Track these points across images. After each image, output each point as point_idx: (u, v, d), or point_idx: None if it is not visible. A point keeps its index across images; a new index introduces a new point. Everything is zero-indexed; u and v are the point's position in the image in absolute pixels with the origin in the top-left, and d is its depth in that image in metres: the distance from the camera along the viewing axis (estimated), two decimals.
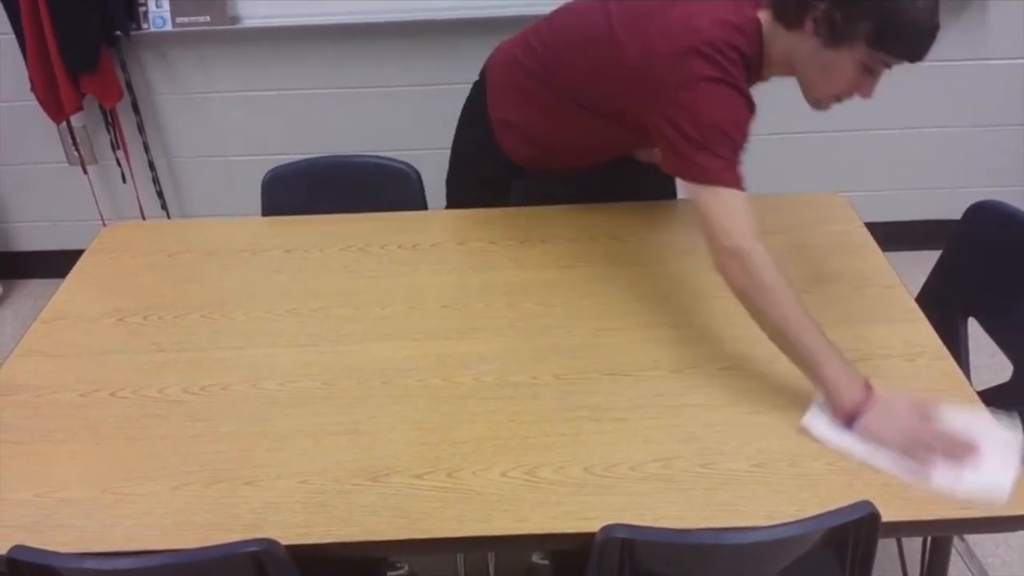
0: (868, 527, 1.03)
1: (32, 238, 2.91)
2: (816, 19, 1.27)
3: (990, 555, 1.87)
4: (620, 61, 1.40)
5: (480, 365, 1.37)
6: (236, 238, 1.73)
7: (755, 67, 1.37)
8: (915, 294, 1.55)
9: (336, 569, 1.28)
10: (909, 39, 1.23)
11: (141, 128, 2.65)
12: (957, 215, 1.60)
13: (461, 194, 1.83)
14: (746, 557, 1.04)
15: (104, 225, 1.85)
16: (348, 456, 1.21)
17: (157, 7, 2.41)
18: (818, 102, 1.37)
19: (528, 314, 1.48)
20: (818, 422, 1.22)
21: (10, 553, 0.99)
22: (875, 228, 1.68)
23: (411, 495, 1.14)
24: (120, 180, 2.75)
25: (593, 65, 1.46)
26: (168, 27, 2.43)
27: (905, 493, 1.12)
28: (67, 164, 2.73)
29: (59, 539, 1.09)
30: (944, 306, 1.53)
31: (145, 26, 2.42)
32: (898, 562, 1.72)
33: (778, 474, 1.16)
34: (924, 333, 1.41)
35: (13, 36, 2.40)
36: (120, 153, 2.69)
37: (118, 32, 2.43)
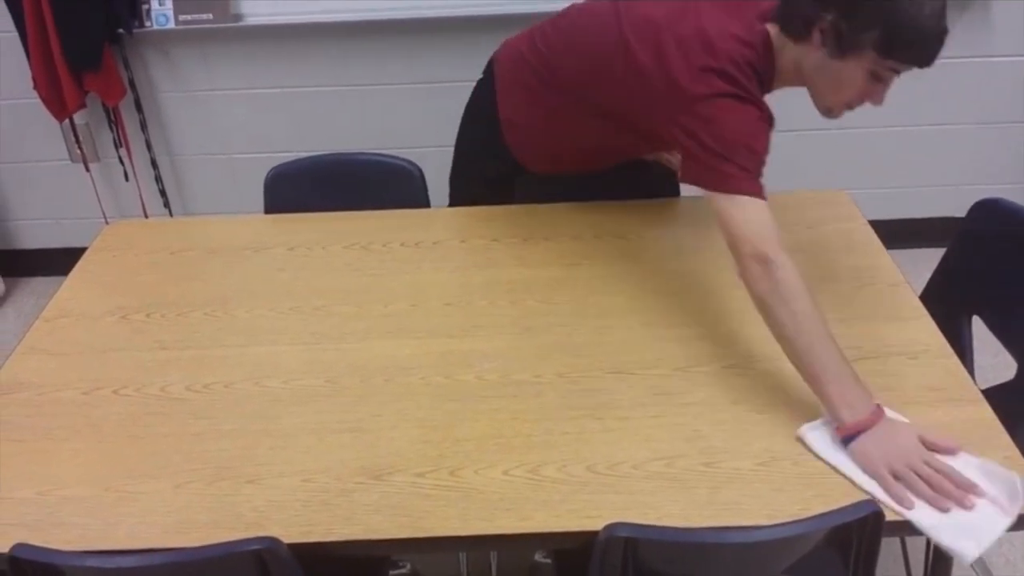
0: (872, 526, 1.03)
1: (35, 236, 2.91)
2: (823, 30, 1.27)
3: (994, 554, 1.87)
4: (632, 67, 1.39)
5: (483, 363, 1.37)
6: (239, 236, 1.73)
7: (766, 82, 1.37)
8: (919, 292, 1.54)
9: (339, 568, 1.28)
10: (917, 46, 1.22)
11: (144, 126, 2.65)
12: (961, 213, 1.60)
13: (465, 192, 1.82)
14: (749, 556, 1.04)
15: (107, 223, 1.85)
16: (351, 454, 1.21)
17: (160, 5, 2.41)
18: (829, 111, 1.37)
19: (531, 312, 1.48)
20: (815, 433, 1.20)
21: (12, 551, 0.99)
22: (879, 225, 1.68)
23: (414, 494, 1.14)
24: (123, 178, 2.75)
25: (603, 69, 1.45)
26: (171, 25, 2.43)
27: None
28: (70, 162, 2.73)
29: (61, 537, 1.09)
30: (948, 304, 1.53)
31: (148, 24, 2.42)
32: (902, 561, 1.72)
33: (782, 473, 1.16)
34: (928, 331, 1.41)
35: (16, 34, 2.41)
36: (123, 151, 2.69)
37: (121, 30, 2.43)
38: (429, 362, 1.37)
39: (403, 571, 1.72)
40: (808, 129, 2.64)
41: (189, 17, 2.42)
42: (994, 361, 1.53)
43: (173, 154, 2.74)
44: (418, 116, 2.64)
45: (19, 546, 1.00)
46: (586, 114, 1.53)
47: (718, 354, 1.37)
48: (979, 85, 2.63)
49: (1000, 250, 1.52)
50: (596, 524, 1.04)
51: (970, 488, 1.10)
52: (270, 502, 1.14)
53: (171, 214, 2.81)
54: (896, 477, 1.12)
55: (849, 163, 2.77)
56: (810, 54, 1.31)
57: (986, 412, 1.24)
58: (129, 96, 2.58)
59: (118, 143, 2.66)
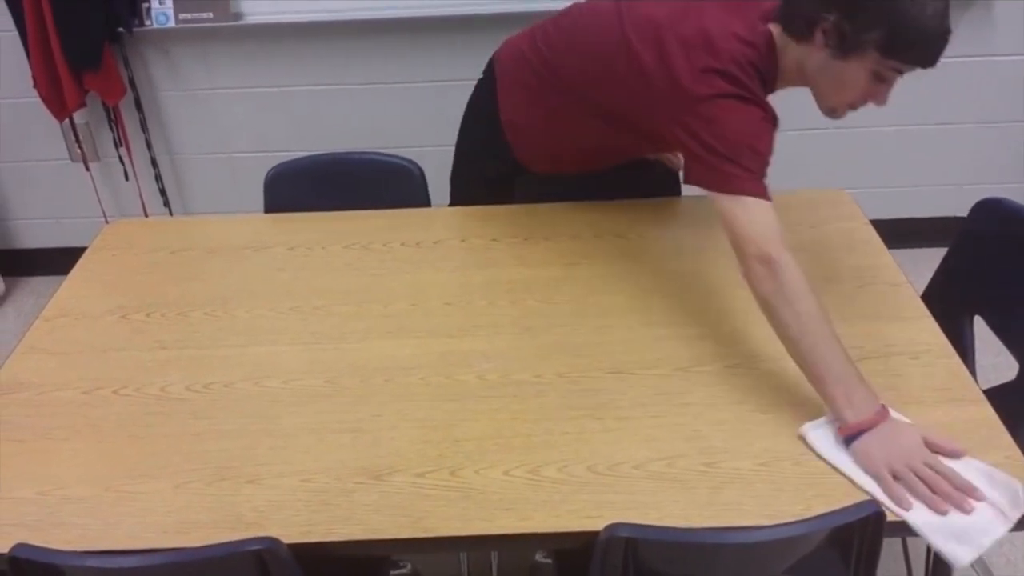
0: (873, 526, 1.03)
1: (34, 235, 2.91)
2: (826, 31, 1.26)
3: (995, 554, 1.87)
4: (634, 67, 1.39)
5: (483, 363, 1.36)
6: (239, 235, 1.73)
7: (769, 82, 1.36)
8: (921, 292, 1.54)
9: (339, 568, 1.28)
10: (920, 46, 1.22)
11: (144, 125, 2.65)
12: (963, 212, 1.59)
13: (465, 191, 1.82)
14: (750, 557, 1.04)
15: (107, 222, 1.85)
16: (351, 454, 1.21)
17: (160, 4, 2.41)
18: (832, 111, 1.36)
19: (531, 312, 1.48)
20: (816, 432, 1.20)
21: (12, 551, 0.99)
22: (881, 225, 1.68)
23: (414, 494, 1.14)
24: (123, 177, 2.75)
25: (605, 69, 1.45)
26: (171, 24, 2.42)
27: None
28: (70, 161, 2.73)
29: (61, 537, 1.09)
30: (950, 304, 1.53)
31: (148, 23, 2.42)
32: (903, 561, 1.71)
33: (783, 473, 1.15)
34: (930, 331, 1.40)
35: (16, 33, 2.40)
36: (123, 150, 2.69)
37: (121, 29, 2.43)
38: (429, 362, 1.37)
39: (403, 571, 1.72)
40: (809, 128, 2.64)
41: (189, 16, 2.42)
42: (996, 361, 1.53)
43: (173, 153, 2.74)
44: (418, 115, 2.64)
45: (19, 546, 1.00)
46: (587, 114, 1.53)
47: (719, 354, 1.37)
48: (981, 84, 2.63)
49: (1002, 250, 1.52)
50: (596, 524, 1.03)
51: (970, 491, 1.10)
52: (270, 502, 1.14)
53: (171, 213, 2.81)
54: (896, 477, 1.12)
55: (851, 162, 2.76)
56: (813, 54, 1.30)
57: (987, 412, 1.24)
58: (129, 95, 2.58)
59: (118, 142, 2.66)
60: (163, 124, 2.69)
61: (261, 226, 1.77)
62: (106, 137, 2.67)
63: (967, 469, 1.13)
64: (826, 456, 1.17)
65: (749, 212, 1.27)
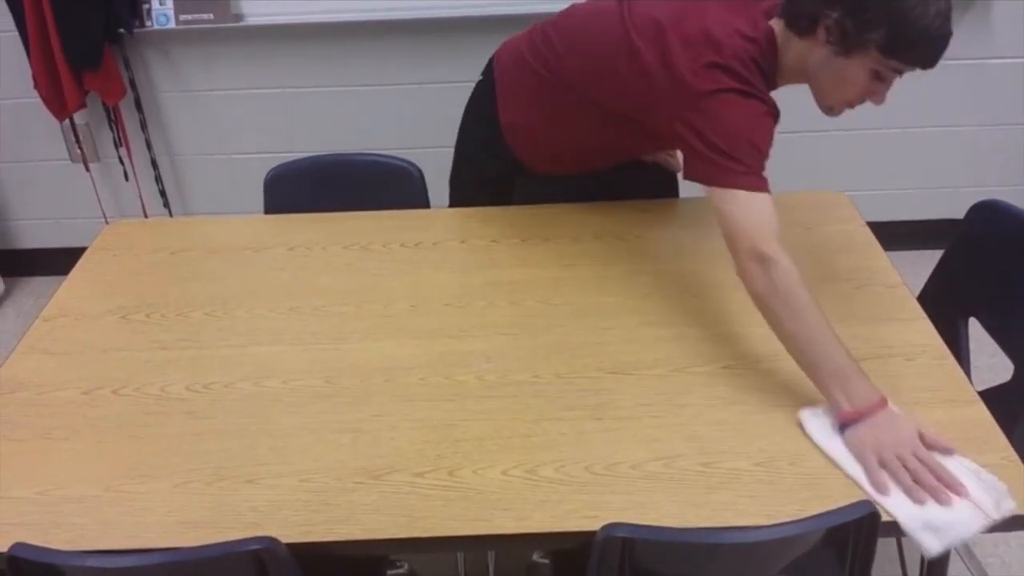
0: (868, 527, 1.03)
1: (34, 235, 2.91)
2: (828, 27, 1.27)
3: (989, 555, 1.87)
4: (636, 66, 1.39)
5: (482, 363, 1.37)
6: (238, 236, 1.74)
7: (770, 77, 1.37)
8: (917, 293, 1.55)
9: (337, 568, 1.29)
10: (921, 46, 1.23)
11: (144, 126, 2.65)
12: (960, 215, 1.60)
13: (465, 192, 1.82)
14: (747, 556, 1.04)
15: (107, 223, 1.85)
16: (349, 454, 1.21)
17: (160, 4, 2.41)
18: (831, 109, 1.37)
19: (530, 312, 1.48)
20: (814, 419, 1.22)
21: (11, 551, 0.99)
22: (877, 227, 1.68)
23: (412, 494, 1.15)
24: (123, 178, 2.75)
25: (606, 69, 1.45)
26: (171, 25, 2.43)
27: None
28: (70, 162, 2.73)
29: (61, 537, 1.10)
30: (946, 305, 1.53)
31: (148, 24, 2.42)
32: (898, 562, 1.72)
33: (779, 473, 1.16)
34: (926, 332, 1.41)
35: (16, 34, 2.41)
36: (123, 151, 2.69)
37: (121, 30, 2.43)
38: (428, 362, 1.38)
39: (401, 571, 1.72)
40: (807, 131, 2.65)
41: (190, 17, 2.42)
42: (991, 362, 1.54)
43: (173, 154, 2.74)
44: (418, 117, 2.65)
45: (18, 546, 1.00)
46: (587, 114, 1.54)
47: (716, 355, 1.37)
48: (979, 87, 2.64)
49: (998, 252, 1.52)
50: (594, 524, 1.04)
51: (954, 487, 1.11)
52: (269, 502, 1.14)
53: (171, 214, 2.82)
54: (882, 465, 1.14)
55: (848, 165, 2.77)
56: (814, 51, 1.31)
57: (983, 413, 1.24)
58: (129, 96, 2.59)
59: (118, 143, 2.67)
60: (163, 125, 2.69)
61: (261, 227, 1.78)
62: (106, 137, 2.68)
63: (956, 466, 1.14)
64: (819, 442, 1.19)
65: (744, 208, 1.28)
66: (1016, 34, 2.55)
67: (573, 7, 1.58)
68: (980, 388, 1.32)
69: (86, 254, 1.70)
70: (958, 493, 1.10)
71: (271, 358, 1.40)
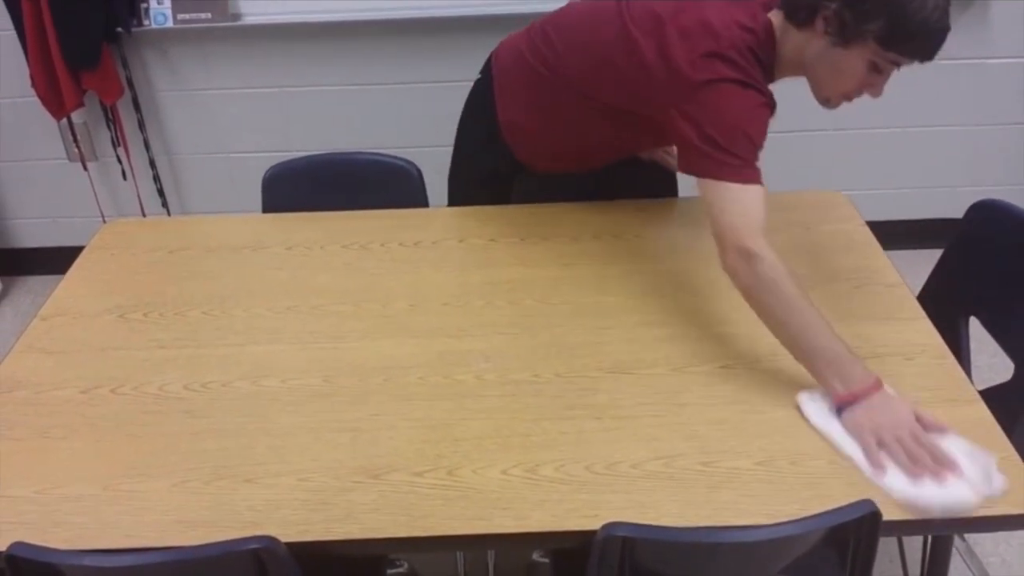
0: (869, 526, 1.03)
1: (32, 235, 2.91)
2: (827, 18, 1.28)
3: (990, 554, 1.87)
4: (634, 58, 1.40)
5: (481, 363, 1.37)
6: (237, 235, 1.73)
7: (768, 69, 1.37)
8: (917, 293, 1.55)
9: (337, 567, 1.28)
10: (919, 39, 1.24)
11: (142, 125, 2.65)
12: (959, 214, 1.60)
13: (463, 191, 1.82)
14: (747, 556, 1.04)
15: (104, 222, 1.85)
16: (348, 454, 1.21)
17: (158, 4, 2.40)
18: (827, 101, 1.37)
19: (529, 312, 1.48)
20: (812, 402, 1.24)
21: (10, 550, 0.99)
22: (877, 226, 1.68)
23: (411, 493, 1.14)
24: (120, 177, 2.75)
25: (605, 64, 1.45)
26: (169, 24, 2.42)
27: None
28: (67, 161, 2.73)
29: (59, 536, 1.09)
30: (946, 305, 1.53)
31: (146, 23, 2.42)
32: (899, 561, 1.72)
33: (780, 472, 1.16)
34: (926, 332, 1.41)
35: (14, 33, 2.40)
36: (121, 150, 2.68)
37: (119, 29, 2.43)
38: (427, 361, 1.37)
39: (400, 570, 1.72)
40: (806, 130, 2.65)
41: (187, 16, 2.42)
42: (991, 361, 1.54)
43: (171, 153, 2.74)
44: (417, 116, 2.64)
45: (17, 545, 0.99)
46: (586, 111, 1.53)
47: (716, 354, 1.37)
48: (978, 86, 2.64)
49: (997, 251, 1.52)
50: (594, 524, 1.04)
51: (949, 465, 1.13)
52: (268, 501, 1.14)
53: (169, 213, 2.81)
54: (880, 445, 1.16)
55: (847, 164, 2.77)
56: (812, 42, 1.32)
57: (983, 413, 1.24)
58: (127, 95, 2.58)
59: (116, 142, 2.66)
60: (161, 124, 2.68)
61: (259, 226, 1.77)
62: (104, 137, 2.67)
63: (950, 445, 1.16)
64: (817, 424, 1.22)
65: (733, 203, 1.29)
66: (1015, 34, 2.55)
67: (571, 4, 1.57)
68: (980, 387, 1.32)
69: (84, 253, 1.70)
70: (953, 471, 1.12)
71: (269, 357, 1.40)
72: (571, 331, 1.43)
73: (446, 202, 1.85)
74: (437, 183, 1.87)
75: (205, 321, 1.49)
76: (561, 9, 1.58)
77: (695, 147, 1.32)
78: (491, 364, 1.36)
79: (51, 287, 1.59)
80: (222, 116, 2.67)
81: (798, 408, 1.24)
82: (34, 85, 2.44)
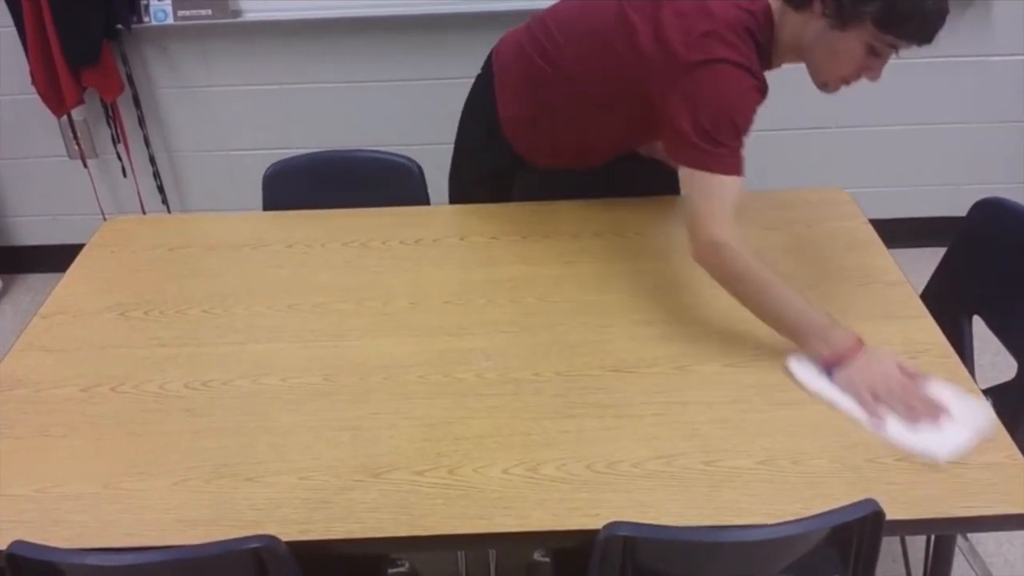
0: (872, 525, 1.03)
1: (32, 232, 2.90)
2: (824, 0, 1.27)
3: (993, 554, 1.87)
4: (632, 43, 1.40)
5: (482, 361, 1.36)
6: (237, 233, 1.73)
7: (765, 53, 1.37)
8: (920, 291, 1.54)
9: (337, 566, 1.28)
10: (917, 20, 1.24)
11: (142, 122, 2.64)
12: (963, 212, 1.59)
13: (464, 188, 1.82)
14: (749, 555, 1.04)
15: (104, 219, 1.85)
16: (349, 452, 1.20)
17: (159, 1, 2.40)
18: (825, 85, 1.38)
19: (530, 310, 1.48)
20: (801, 365, 1.30)
21: (10, 548, 0.99)
22: (880, 224, 1.68)
23: (412, 492, 1.14)
24: (121, 174, 2.74)
25: (604, 50, 1.45)
26: (169, 20, 2.42)
27: (909, 492, 1.12)
28: (68, 158, 2.72)
29: (59, 535, 1.09)
30: (949, 303, 1.53)
31: (147, 19, 2.42)
32: (901, 561, 1.72)
33: (782, 472, 1.15)
34: (929, 330, 1.40)
35: (14, 29, 2.40)
36: (121, 147, 2.68)
37: (119, 25, 2.42)
38: (428, 360, 1.37)
39: (401, 570, 1.72)
40: (809, 128, 2.64)
41: (188, 13, 2.41)
42: (994, 360, 1.53)
43: (171, 150, 2.74)
44: (418, 113, 2.64)
45: (17, 543, 0.99)
46: (584, 106, 1.53)
47: (717, 352, 1.36)
48: (981, 84, 2.63)
49: (1001, 250, 1.52)
50: (595, 523, 1.03)
51: (941, 409, 1.21)
52: (268, 500, 1.13)
53: (169, 211, 2.81)
54: (876, 398, 1.23)
55: (850, 162, 2.76)
56: (810, 24, 1.32)
57: (986, 411, 1.24)
58: (127, 92, 2.58)
59: (116, 139, 2.66)
60: (161, 121, 2.68)
61: (260, 224, 1.77)
62: (104, 134, 2.67)
63: (938, 391, 1.24)
64: (809, 385, 1.27)
65: (708, 191, 1.32)
66: (1017, 31, 2.54)
67: None
68: (983, 386, 1.32)
69: (84, 251, 1.69)
70: (946, 415, 1.20)
71: (270, 355, 1.40)
72: (572, 329, 1.43)
73: (447, 200, 1.85)
74: (438, 180, 1.87)
75: (205, 319, 1.49)
76: (558, 2, 1.58)
77: (681, 132, 1.33)
78: (492, 362, 1.36)
79: (51, 285, 1.59)
80: (222, 113, 2.66)
81: (788, 372, 1.29)
82: (34, 82, 2.44)
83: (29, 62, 2.41)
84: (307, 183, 1.89)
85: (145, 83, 2.60)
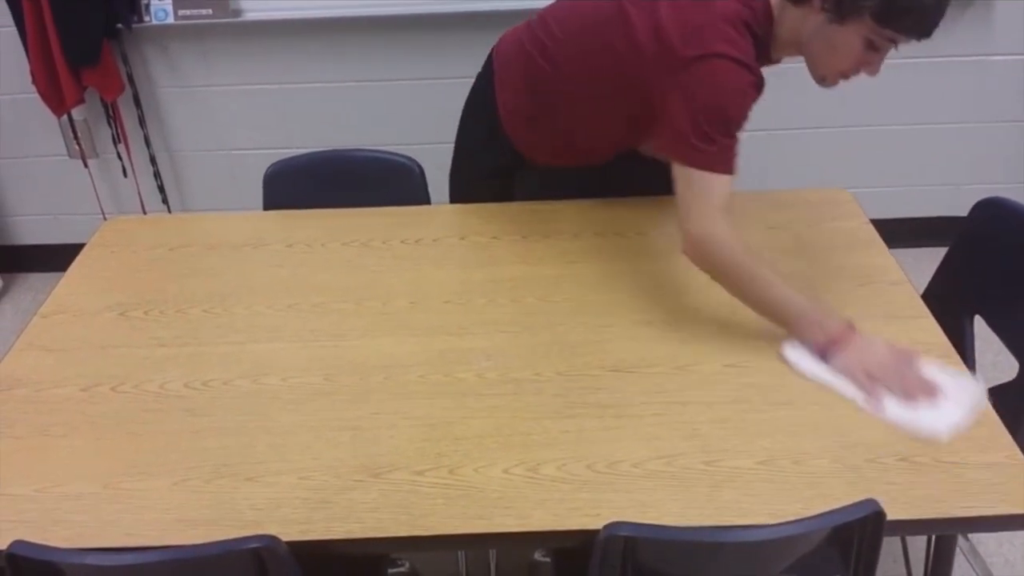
0: (873, 525, 1.03)
1: (32, 232, 2.90)
2: None
3: (993, 554, 1.87)
4: (629, 38, 1.40)
5: (482, 361, 1.36)
6: (237, 232, 1.73)
7: (764, 47, 1.37)
8: (921, 291, 1.54)
9: (337, 566, 1.28)
10: (915, 15, 1.24)
11: (142, 121, 2.64)
12: (963, 211, 1.59)
13: (465, 187, 1.82)
14: (750, 555, 1.04)
15: (105, 219, 1.85)
16: (349, 452, 1.20)
17: (159, 0, 2.40)
18: (824, 79, 1.38)
19: (531, 310, 1.48)
20: (796, 351, 1.33)
21: (10, 548, 0.99)
22: (881, 224, 1.68)
23: (413, 492, 1.14)
24: (121, 174, 2.74)
25: (604, 47, 1.45)
26: (170, 20, 2.42)
27: (910, 492, 1.12)
28: (68, 157, 2.72)
29: (59, 534, 1.09)
30: (950, 303, 1.53)
31: (147, 19, 2.41)
32: (902, 561, 1.71)
33: (782, 472, 1.15)
34: (930, 330, 1.40)
35: (15, 29, 2.40)
36: (121, 147, 2.68)
37: (120, 25, 2.42)
38: (428, 360, 1.37)
39: (402, 569, 1.72)
40: (810, 128, 2.64)
41: (188, 12, 2.41)
42: (996, 360, 1.53)
43: (172, 150, 2.73)
44: (418, 112, 2.64)
45: (17, 543, 0.99)
46: (587, 101, 1.53)
47: (718, 352, 1.36)
48: (982, 84, 2.63)
49: (1003, 249, 1.52)
50: (596, 523, 1.03)
51: (936, 389, 1.25)
52: (268, 500, 1.13)
53: (169, 210, 2.81)
54: (874, 381, 1.26)
55: (851, 162, 2.76)
56: (809, 18, 1.32)
57: (987, 412, 1.23)
58: (128, 91, 2.58)
59: (116, 139, 2.66)
60: (162, 120, 2.68)
61: (260, 223, 1.77)
62: (104, 133, 2.67)
63: (930, 372, 1.28)
64: (806, 370, 1.30)
65: (699, 189, 1.34)
66: (1017, 31, 2.54)
67: None
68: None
69: (84, 250, 1.69)
70: (940, 393, 1.25)
71: (270, 355, 1.39)
72: (573, 329, 1.43)
73: (447, 199, 1.85)
74: (439, 180, 1.87)
75: (206, 319, 1.49)
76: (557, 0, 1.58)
77: (675, 128, 1.34)
78: (492, 362, 1.36)
79: (51, 284, 1.59)
80: (223, 113, 2.66)
81: (784, 359, 1.32)
82: (35, 82, 2.44)
83: (29, 61, 2.41)
84: (307, 183, 1.89)
85: (145, 83, 2.60)
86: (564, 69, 1.53)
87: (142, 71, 2.58)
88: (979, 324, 1.55)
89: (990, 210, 1.54)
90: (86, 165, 2.72)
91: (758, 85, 1.35)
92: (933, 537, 1.47)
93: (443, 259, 1.63)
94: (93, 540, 1.08)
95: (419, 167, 1.87)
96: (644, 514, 1.09)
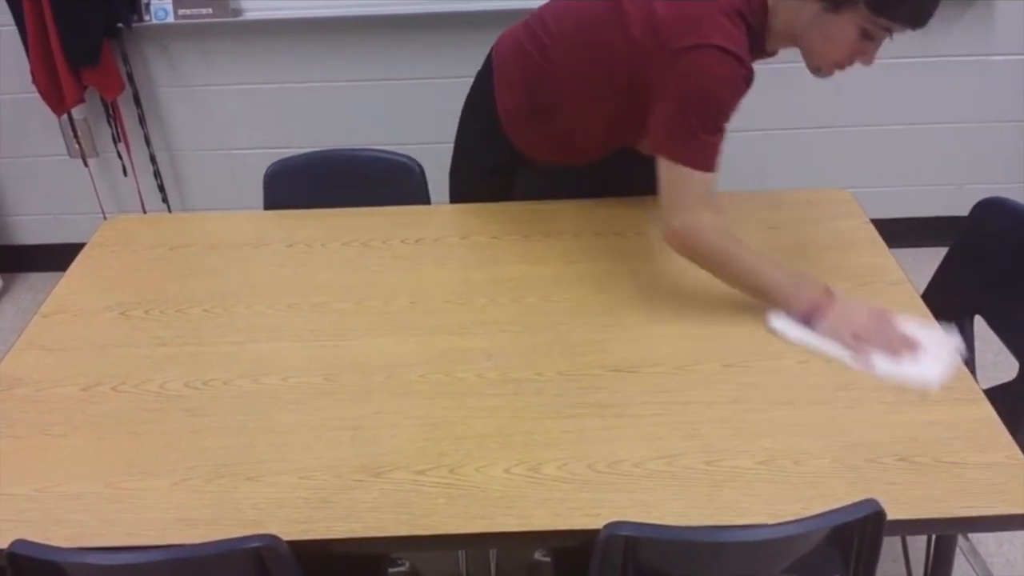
0: (873, 525, 1.03)
1: (32, 231, 2.90)
2: None
3: (993, 554, 1.87)
4: (624, 32, 1.40)
5: (483, 361, 1.36)
6: (238, 232, 1.73)
7: (759, 38, 1.37)
8: (921, 291, 1.54)
9: (338, 566, 1.28)
10: (910, 4, 1.25)
11: (142, 121, 2.64)
12: (964, 212, 1.59)
13: (465, 186, 1.82)
14: (750, 555, 1.04)
15: (105, 218, 1.84)
16: (350, 452, 1.20)
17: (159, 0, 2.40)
18: (819, 70, 1.39)
19: (532, 309, 1.48)
20: (781, 320, 1.39)
21: (11, 548, 0.99)
22: (881, 224, 1.68)
23: (413, 491, 1.14)
24: (121, 173, 2.74)
25: (601, 44, 1.45)
26: (170, 19, 2.42)
27: (910, 491, 1.12)
28: (68, 157, 2.72)
29: (60, 534, 1.09)
30: (950, 303, 1.52)
31: (147, 18, 2.41)
32: (902, 560, 1.71)
33: (783, 471, 1.15)
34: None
35: (15, 28, 2.40)
36: (121, 146, 2.68)
37: (120, 24, 2.42)
38: (429, 359, 1.37)
39: (402, 569, 1.71)
40: (810, 128, 2.64)
41: (188, 12, 2.41)
42: (996, 360, 1.53)
43: (172, 149, 2.73)
44: (418, 112, 2.64)
45: (18, 542, 0.99)
46: (585, 99, 1.53)
47: (719, 352, 1.36)
48: (983, 83, 2.63)
49: (1003, 250, 1.52)
50: (596, 523, 1.03)
51: (916, 343, 1.33)
52: (269, 499, 1.13)
53: (170, 210, 2.81)
54: (859, 340, 1.32)
55: (851, 161, 2.76)
56: (804, 8, 1.32)
57: (988, 411, 1.24)
58: (128, 91, 2.58)
59: (116, 138, 2.66)
60: (162, 120, 2.68)
61: (260, 223, 1.77)
62: (104, 133, 2.67)
63: (909, 328, 1.36)
64: (793, 337, 1.36)
65: (682, 184, 1.37)
66: (1017, 31, 2.54)
67: None
68: (985, 386, 1.31)
69: (84, 250, 1.69)
70: (920, 348, 1.32)
71: (270, 355, 1.39)
72: (573, 329, 1.43)
73: (448, 199, 1.85)
74: (439, 179, 1.87)
75: (206, 319, 1.49)
76: None
77: (663, 121, 1.36)
78: (493, 362, 1.36)
79: (52, 284, 1.59)
80: (223, 112, 2.66)
81: (770, 329, 1.38)
82: (35, 81, 2.44)
83: (30, 61, 2.41)
84: (308, 182, 1.89)
85: (146, 82, 2.60)
86: (562, 67, 1.53)
87: (142, 70, 2.58)
88: (979, 324, 1.55)
89: (990, 210, 1.54)
90: (86, 164, 2.72)
91: (748, 79, 1.35)
92: (933, 537, 1.47)
93: (444, 259, 1.63)
94: (94, 540, 1.08)
95: (419, 167, 1.87)
96: (645, 514, 1.09)
